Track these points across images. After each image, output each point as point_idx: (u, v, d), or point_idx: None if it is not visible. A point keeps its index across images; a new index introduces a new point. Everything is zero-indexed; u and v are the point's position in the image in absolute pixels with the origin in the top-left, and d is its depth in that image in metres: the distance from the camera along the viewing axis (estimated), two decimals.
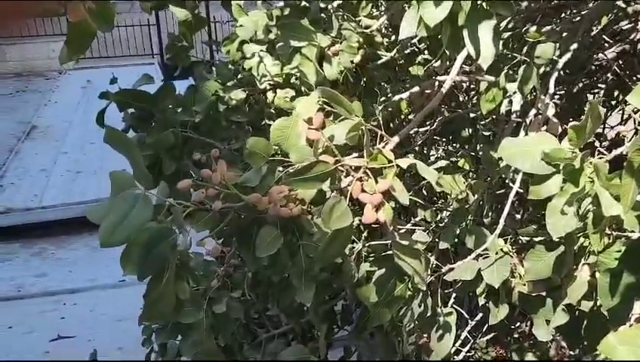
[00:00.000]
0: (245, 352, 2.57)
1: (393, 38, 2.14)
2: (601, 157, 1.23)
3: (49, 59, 10.72)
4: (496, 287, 1.59)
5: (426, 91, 2.20)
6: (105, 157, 6.49)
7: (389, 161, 1.03)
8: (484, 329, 2.56)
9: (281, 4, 2.26)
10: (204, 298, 1.88)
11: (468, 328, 2.36)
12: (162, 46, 11.73)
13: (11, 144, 7.27)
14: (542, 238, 1.55)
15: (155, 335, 2.23)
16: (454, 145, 2.74)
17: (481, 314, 2.30)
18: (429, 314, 1.56)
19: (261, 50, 1.99)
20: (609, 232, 1.28)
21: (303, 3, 1.95)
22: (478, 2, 1.27)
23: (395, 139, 1.26)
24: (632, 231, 1.15)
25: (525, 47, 1.75)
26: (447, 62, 2.15)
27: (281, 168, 1.33)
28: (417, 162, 1.03)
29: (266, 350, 2.60)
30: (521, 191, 1.62)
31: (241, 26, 2.13)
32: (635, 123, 2.37)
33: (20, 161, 6.74)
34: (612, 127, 2.85)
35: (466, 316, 2.24)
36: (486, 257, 1.63)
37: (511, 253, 1.64)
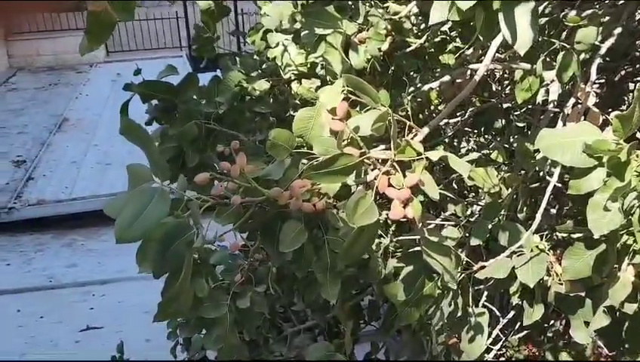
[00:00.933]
0: (271, 346, 2.54)
1: (423, 25, 2.06)
2: None
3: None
4: (532, 287, 1.51)
5: (457, 80, 2.11)
6: (134, 150, 6.51)
7: (418, 154, 0.96)
8: (516, 327, 2.46)
9: None
10: (227, 293, 1.85)
11: (499, 326, 2.27)
12: (190, 39, 11.80)
13: (43, 137, 7.41)
14: (581, 235, 1.46)
15: (180, 329, 2.22)
16: (486, 136, 2.64)
17: (513, 312, 2.22)
18: (459, 314, 1.49)
19: (285, 39, 1.93)
20: None
21: None
22: None
23: (425, 130, 1.19)
24: None
25: (564, 33, 1.65)
26: (480, 50, 2.06)
27: (305, 161, 1.27)
28: (449, 154, 0.96)
29: (292, 344, 2.56)
30: (559, 185, 1.54)
31: (265, 14, 2.07)
32: None
33: (51, 154, 6.86)
34: None
35: (497, 313, 2.16)
36: (520, 254, 1.55)
37: (547, 251, 1.55)
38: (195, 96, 2.01)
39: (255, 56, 2.38)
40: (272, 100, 1.96)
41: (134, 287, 4.50)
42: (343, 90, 1.07)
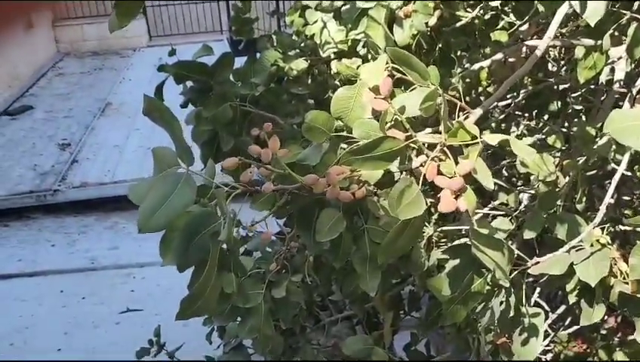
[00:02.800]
0: (308, 335, 2.49)
1: None
2: None
3: (124, 37, 11.01)
4: (593, 285, 1.37)
5: (510, 60, 1.96)
6: None
7: (473, 138, 0.85)
8: (566, 322, 2.31)
9: None
10: (263, 281, 1.79)
11: (548, 321, 2.13)
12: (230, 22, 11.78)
13: (87, 120, 7.53)
14: None
15: (214, 318, 2.17)
16: (538, 120, 2.46)
17: (564, 306, 2.07)
18: (511, 314, 1.37)
19: (325, 16, 1.82)
20: None
21: None
22: None
23: (478, 111, 1.07)
24: None
25: (636, 4, 1.48)
26: (536, 27, 1.90)
27: (344, 145, 1.17)
28: (510, 138, 0.84)
29: (329, 333, 2.49)
30: (627, 173, 1.38)
31: None
32: None
33: (95, 137, 6.97)
34: None
35: (547, 307, 2.02)
36: (580, 249, 1.41)
37: (610, 246, 1.41)
38: (230, 78, 1.93)
39: (294, 37, 2.28)
40: (310, 81, 1.86)
41: (173, 271, 4.51)
42: (386, 67, 0.96)
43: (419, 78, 0.91)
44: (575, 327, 2.37)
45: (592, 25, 1.03)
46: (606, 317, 2.42)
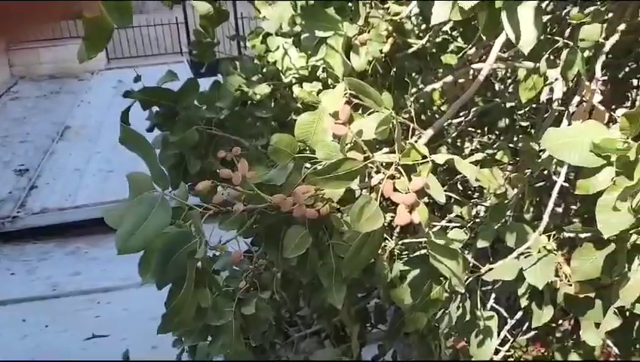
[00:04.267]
0: (278, 351, 2.53)
1: (424, 25, 2.04)
2: None
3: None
4: (540, 288, 1.49)
5: (460, 81, 2.09)
6: (136, 157, 6.54)
7: (424, 157, 0.94)
8: (524, 328, 2.44)
9: None
10: (232, 299, 1.84)
11: (507, 327, 2.25)
12: (191, 44, 11.79)
13: (46, 145, 7.41)
14: (590, 235, 1.44)
15: (185, 336, 2.20)
16: (490, 136, 2.62)
17: (520, 313, 2.19)
18: (468, 318, 1.47)
19: (285, 42, 1.92)
20: None
21: None
22: None
23: (429, 132, 1.17)
24: None
25: (567, 31, 1.63)
26: (482, 50, 2.04)
27: (308, 165, 1.25)
28: (455, 157, 0.94)
29: (298, 349, 2.55)
30: (565, 184, 1.51)
31: (264, 18, 2.06)
32: None
33: (54, 162, 6.86)
34: None
35: (505, 314, 2.13)
36: (528, 256, 1.53)
37: (555, 252, 1.53)
38: (195, 102, 2.00)
39: (256, 61, 2.37)
40: (273, 104, 1.94)
41: (139, 294, 4.49)
42: (345, 94, 1.05)
43: (374, 104, 1.00)
44: (532, 332, 2.51)
45: (526, 53, 1.15)
46: (561, 321, 2.57)
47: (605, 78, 2.35)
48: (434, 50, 2.16)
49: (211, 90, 2.02)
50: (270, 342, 2.48)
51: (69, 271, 4.92)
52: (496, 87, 2.33)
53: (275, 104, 1.92)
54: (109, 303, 4.44)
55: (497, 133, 2.47)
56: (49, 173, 6.56)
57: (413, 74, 1.99)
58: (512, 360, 2.75)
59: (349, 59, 1.53)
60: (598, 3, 1.80)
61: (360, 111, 1.20)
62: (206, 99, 1.99)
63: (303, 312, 2.60)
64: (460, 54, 1.92)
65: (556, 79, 1.67)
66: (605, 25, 1.58)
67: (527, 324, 2.41)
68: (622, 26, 1.54)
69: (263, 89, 1.79)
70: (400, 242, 1.89)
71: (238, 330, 1.78)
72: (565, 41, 1.51)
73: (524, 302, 1.63)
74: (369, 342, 2.65)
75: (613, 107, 2.45)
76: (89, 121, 8.11)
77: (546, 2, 1.76)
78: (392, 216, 1.17)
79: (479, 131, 2.66)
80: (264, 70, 1.98)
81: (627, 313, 1.47)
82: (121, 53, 11.52)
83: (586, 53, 1.57)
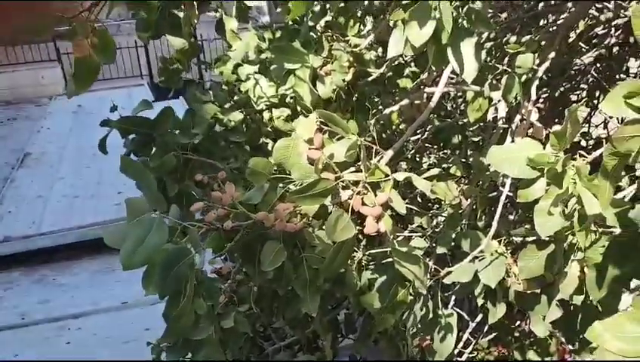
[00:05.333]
0: None
1: (380, 50, 2.23)
2: (583, 159, 1.32)
3: (39, 85, 10.76)
4: (493, 287, 1.67)
5: (415, 102, 2.29)
6: (102, 181, 6.54)
7: (386, 175, 1.11)
8: (485, 330, 2.63)
9: (267, 18, 2.33)
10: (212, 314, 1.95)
11: (469, 329, 2.43)
12: (151, 67, 11.80)
13: (6, 173, 7.29)
14: (533, 238, 1.63)
15: (167, 352, 2.29)
16: (445, 152, 2.83)
17: (481, 315, 2.38)
18: (430, 317, 1.64)
19: (255, 73, 2.07)
20: (595, 229, 1.36)
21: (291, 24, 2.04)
22: (460, 21, 1.36)
23: (390, 152, 1.34)
24: (614, 227, 1.23)
25: (507, 57, 1.84)
26: (434, 73, 2.24)
27: (281, 185, 1.40)
28: (412, 175, 1.11)
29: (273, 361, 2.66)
30: (511, 194, 1.71)
31: (234, 50, 2.22)
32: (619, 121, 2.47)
33: (15, 189, 6.76)
34: (597, 126, 2.96)
35: (467, 318, 2.31)
36: (482, 259, 1.71)
37: (505, 254, 1.72)
38: (170, 128, 2.12)
39: (224, 86, 2.52)
40: (245, 129, 2.09)
41: (110, 319, 4.51)
42: (316, 122, 1.21)
43: (342, 131, 1.17)
44: (493, 334, 2.70)
45: (469, 82, 1.34)
46: (518, 322, 2.77)
47: (545, 95, 2.60)
48: (391, 74, 2.36)
49: (186, 117, 2.15)
50: (246, 356, 2.59)
51: (36, 299, 4.87)
52: (449, 107, 2.54)
53: (247, 129, 2.06)
54: (80, 329, 4.43)
55: (451, 148, 2.68)
56: (10, 201, 6.47)
57: (373, 97, 2.18)
58: (475, 361, 2.93)
59: (315, 88, 1.70)
60: (534, 31, 2.04)
61: (327, 135, 1.36)
62: (181, 125, 2.12)
63: (277, 324, 2.71)
64: (415, 82, 2.11)
65: (499, 100, 1.88)
66: (539, 52, 1.80)
67: (487, 327, 2.60)
68: (552, 54, 1.76)
69: (237, 116, 1.94)
70: (367, 253, 2.05)
71: (218, 343, 1.90)
72: (505, 67, 1.72)
73: (480, 301, 1.81)
74: (341, 353, 2.79)
75: (557, 120, 2.72)
76: (49, 147, 8.02)
77: (487, 33, 1.98)
78: (359, 229, 1.33)
79: (435, 147, 2.87)
80: (235, 98, 2.13)
81: (571, 307, 1.67)
82: None
83: (524, 78, 1.79)
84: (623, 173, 1.98)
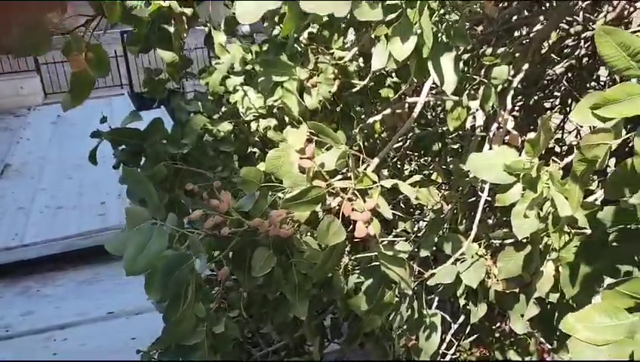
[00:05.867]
0: None
1: (362, 60, 2.31)
2: (556, 165, 1.41)
3: (18, 96, 10.67)
4: (474, 288, 1.75)
5: (397, 111, 2.38)
6: (84, 192, 6.52)
7: (374, 182, 1.19)
8: (467, 331, 2.72)
9: (246, 28, 2.40)
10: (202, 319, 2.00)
11: (452, 331, 2.52)
12: (131, 76, 11.76)
13: None
14: (511, 240, 1.72)
15: (159, 357, 2.33)
16: (426, 158, 2.93)
17: (463, 317, 2.47)
18: (416, 317, 1.71)
19: (241, 84, 2.14)
20: (568, 230, 1.45)
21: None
22: (439, 36, 1.45)
23: (375, 160, 1.42)
24: (586, 228, 1.32)
25: (484, 69, 1.94)
26: (415, 84, 2.34)
27: (271, 193, 1.47)
28: (399, 182, 1.19)
29: None
30: (490, 199, 1.80)
31: (221, 62, 2.28)
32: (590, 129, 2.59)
33: None
34: (569, 132, 3.08)
35: (450, 320, 2.39)
36: (463, 261, 1.79)
37: (485, 256, 1.81)
38: (160, 139, 2.17)
39: (210, 97, 2.58)
40: (234, 139, 2.15)
41: (96, 329, 4.50)
42: (306, 133, 1.29)
43: (332, 142, 1.24)
44: (475, 336, 2.79)
45: (449, 94, 1.43)
46: (499, 323, 2.86)
47: (521, 103, 2.72)
48: (373, 84, 2.44)
49: (175, 128, 2.21)
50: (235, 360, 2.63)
51: (20, 311, 4.84)
52: (429, 115, 2.64)
53: (236, 139, 2.13)
54: (66, 340, 4.41)
55: (432, 155, 2.78)
56: None
57: (357, 106, 2.26)
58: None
59: (302, 100, 1.78)
60: (509, 44, 2.14)
61: (314, 144, 1.44)
62: (171, 136, 2.18)
63: (265, 330, 2.77)
64: (397, 94, 2.20)
65: (477, 110, 1.97)
66: (512, 65, 1.91)
67: (469, 328, 2.69)
68: (526, 65, 1.86)
69: (226, 126, 2.00)
70: (354, 258, 2.13)
71: (209, 348, 1.95)
72: (481, 79, 1.82)
73: (462, 302, 1.90)
74: (327, 357, 2.85)
75: (532, 127, 2.83)
76: (30, 157, 7.96)
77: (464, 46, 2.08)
78: (347, 235, 1.40)
79: (416, 154, 2.97)
80: (223, 109, 2.19)
81: (548, 305, 1.76)
82: (58, 87, 11.33)
83: (500, 88, 1.88)
84: (595, 177, 2.10)
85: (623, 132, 1.00)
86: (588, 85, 2.61)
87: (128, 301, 4.51)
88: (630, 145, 1.03)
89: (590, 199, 1.50)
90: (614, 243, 1.21)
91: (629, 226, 1.19)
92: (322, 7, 0.98)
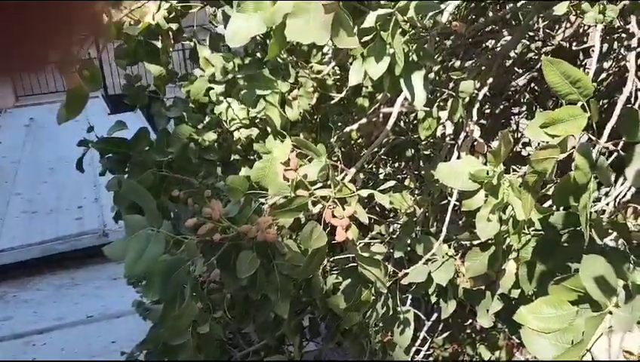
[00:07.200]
0: None
1: (339, 69, 2.44)
2: (515, 173, 1.56)
3: None
4: (445, 286, 1.90)
5: (372, 120, 2.52)
6: (61, 196, 6.50)
7: (352, 191, 1.32)
8: (439, 328, 2.87)
9: (221, 28, 2.50)
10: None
11: (425, 328, 2.66)
12: (105, 79, 11.69)
13: None
14: (477, 241, 1.87)
15: (145, 357, 2.43)
16: (399, 163, 3.08)
17: (435, 315, 2.62)
18: (390, 314, 1.85)
19: (222, 93, 2.24)
20: (527, 232, 1.60)
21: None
22: (410, 55, 1.59)
23: (353, 170, 1.55)
24: (541, 230, 1.47)
25: (452, 82, 2.09)
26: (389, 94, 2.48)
27: (262, 200, 1.59)
28: (375, 192, 1.32)
29: None
30: (457, 203, 1.94)
31: (201, 76, 2.39)
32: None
33: None
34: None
35: (423, 317, 2.54)
36: (434, 261, 1.94)
37: (454, 256, 1.95)
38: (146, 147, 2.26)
39: (191, 104, 2.68)
40: (217, 148, 2.26)
41: (76, 333, 4.53)
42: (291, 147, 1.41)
43: (314, 155, 1.37)
44: (448, 332, 2.95)
45: (419, 109, 1.57)
46: (470, 320, 3.03)
47: (488, 110, 2.88)
48: (349, 93, 2.58)
49: (161, 137, 2.30)
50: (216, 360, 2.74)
51: None
52: (402, 123, 2.79)
53: (220, 147, 2.23)
54: (45, 344, 4.43)
55: (405, 160, 2.93)
56: None
57: (334, 116, 2.39)
58: (431, 359, 3.18)
59: (284, 112, 1.90)
60: (475, 57, 2.30)
61: (295, 154, 1.56)
62: (157, 145, 2.27)
63: (246, 330, 2.88)
64: (372, 102, 2.33)
65: (447, 120, 2.12)
66: (479, 77, 2.06)
67: (442, 326, 2.84)
68: (490, 80, 2.02)
69: (211, 136, 2.11)
70: (332, 259, 2.25)
71: (195, 348, 2.06)
72: (449, 92, 1.96)
73: (433, 299, 2.04)
74: (306, 356, 2.98)
75: (499, 131, 2.99)
76: (3, 161, 7.87)
77: (436, 55, 2.22)
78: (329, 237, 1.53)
79: (390, 159, 3.12)
80: (207, 119, 2.30)
81: (512, 301, 1.91)
82: (30, 90, 11.20)
83: (466, 100, 2.03)
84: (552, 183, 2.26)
85: (570, 144, 1.15)
86: (549, 93, 2.80)
87: (108, 304, 4.56)
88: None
89: (546, 204, 1.65)
90: (565, 244, 1.36)
91: (577, 228, 1.34)
92: (305, 36, 1.10)
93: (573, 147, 1.06)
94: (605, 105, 2.37)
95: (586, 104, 1.03)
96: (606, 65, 2.35)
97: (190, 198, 2.26)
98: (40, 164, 7.42)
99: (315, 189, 1.39)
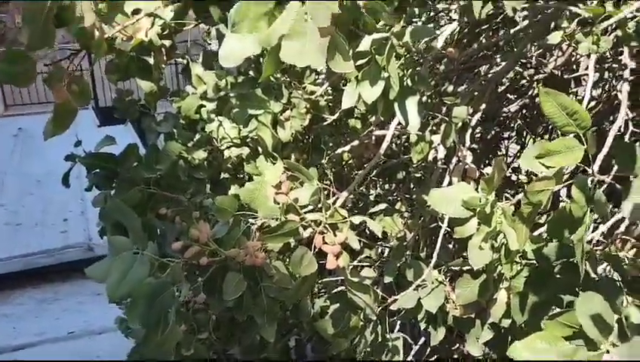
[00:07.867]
0: None
1: (331, 90, 2.43)
2: (508, 201, 1.55)
3: None
4: (434, 312, 1.87)
5: (365, 141, 2.51)
6: (46, 209, 6.41)
7: (344, 217, 1.29)
8: (427, 352, 2.83)
9: (215, 45, 2.48)
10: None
11: (413, 352, 2.62)
12: (96, 91, 11.64)
13: None
14: (468, 268, 1.84)
15: None
16: (390, 185, 3.06)
17: (423, 339, 2.58)
18: (379, 341, 1.81)
19: (213, 111, 2.22)
20: (519, 261, 1.58)
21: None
22: (405, 80, 1.58)
23: (344, 194, 1.53)
24: (534, 260, 1.45)
25: (445, 107, 2.08)
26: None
27: (243, 221, 1.55)
28: (367, 219, 1.29)
29: None
30: (449, 229, 1.92)
31: (193, 93, 2.37)
32: None
33: None
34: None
35: (410, 341, 2.50)
36: (424, 287, 1.91)
37: (444, 282, 1.93)
38: (134, 164, 2.23)
39: (181, 120, 2.65)
40: (207, 166, 2.23)
41: (56, 349, 4.43)
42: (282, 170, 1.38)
43: (305, 179, 1.34)
44: (435, 357, 2.91)
45: (413, 134, 1.55)
46: (458, 345, 2.99)
47: (480, 135, 2.88)
48: (341, 114, 2.57)
49: (149, 153, 2.27)
50: None
51: None
52: (393, 145, 2.78)
53: (209, 166, 2.21)
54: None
55: (396, 182, 2.91)
56: None
57: (326, 137, 2.37)
58: None
59: (276, 132, 1.88)
60: (468, 82, 2.30)
61: (285, 177, 1.53)
62: (146, 162, 2.24)
63: (232, 351, 2.82)
64: (364, 123, 2.32)
65: (439, 144, 2.11)
66: (472, 103, 2.06)
67: (429, 350, 2.80)
68: (483, 105, 2.02)
69: (200, 154, 2.08)
70: (320, 282, 2.22)
71: None
72: (442, 117, 1.96)
73: (423, 325, 2.01)
74: None
75: (491, 156, 2.99)
76: None
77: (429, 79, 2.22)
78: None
79: (381, 180, 3.10)
80: (197, 137, 2.27)
81: (502, 330, 1.88)
82: (20, 99, 11.09)
83: (459, 125, 2.03)
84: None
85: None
86: (540, 120, 2.81)
87: (90, 320, 4.47)
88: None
89: (538, 232, 1.64)
90: (558, 275, 1.34)
91: (570, 260, 1.32)
92: (301, 59, 1.09)
93: (567, 178, 1.04)
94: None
95: (582, 136, 1.02)
96: (595, 93, 2.36)
97: (178, 216, 2.23)
98: (27, 176, 7.33)
99: (305, 213, 1.37)
